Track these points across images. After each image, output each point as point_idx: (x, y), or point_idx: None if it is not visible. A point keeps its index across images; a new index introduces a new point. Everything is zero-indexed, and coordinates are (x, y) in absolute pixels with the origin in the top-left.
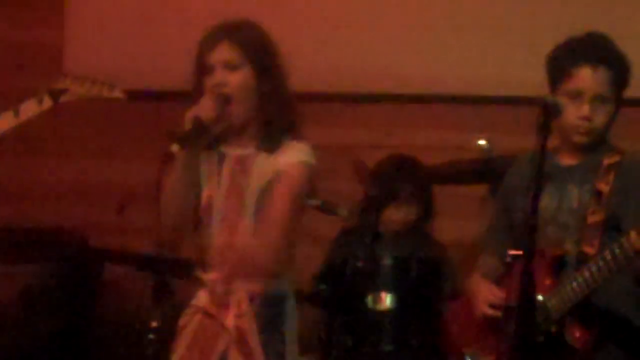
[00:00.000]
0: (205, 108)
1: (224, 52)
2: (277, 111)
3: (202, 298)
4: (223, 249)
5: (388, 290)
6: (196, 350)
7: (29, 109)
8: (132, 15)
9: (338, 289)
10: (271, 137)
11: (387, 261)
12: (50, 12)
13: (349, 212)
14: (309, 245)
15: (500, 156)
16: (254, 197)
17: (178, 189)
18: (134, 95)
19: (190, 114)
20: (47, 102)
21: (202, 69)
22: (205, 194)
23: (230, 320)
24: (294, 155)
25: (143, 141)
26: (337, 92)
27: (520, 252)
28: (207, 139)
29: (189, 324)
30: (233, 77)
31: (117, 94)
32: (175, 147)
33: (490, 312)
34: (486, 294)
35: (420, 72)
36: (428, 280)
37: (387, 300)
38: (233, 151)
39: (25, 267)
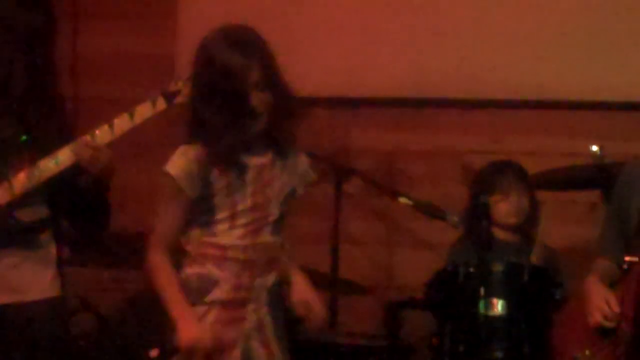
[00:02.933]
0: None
1: (255, 75)
2: (286, 122)
3: (218, 293)
4: (251, 250)
5: (499, 296)
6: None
7: (144, 111)
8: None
9: (450, 296)
10: (284, 148)
11: (498, 267)
12: (163, 23)
13: (459, 218)
14: (420, 252)
15: (613, 162)
16: (278, 206)
17: None
18: None
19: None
20: (161, 104)
21: (235, 89)
22: (225, 201)
23: (250, 312)
24: (307, 177)
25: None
26: (446, 98)
27: (637, 259)
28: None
29: (209, 317)
30: (264, 97)
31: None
32: None
33: (605, 324)
34: (601, 304)
35: (531, 78)
36: (539, 286)
37: (498, 306)
38: (252, 160)
39: (136, 274)
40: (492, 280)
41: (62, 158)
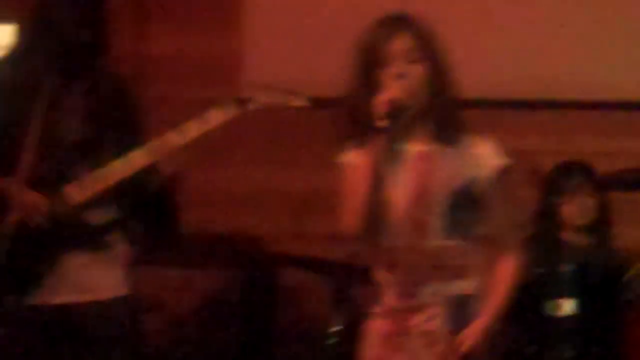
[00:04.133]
0: (394, 92)
1: (404, 43)
2: (450, 107)
3: (387, 301)
4: (411, 251)
5: (568, 297)
6: (384, 354)
7: (215, 117)
8: (311, 23)
9: (518, 296)
10: (452, 134)
11: (567, 268)
12: (229, 23)
13: (526, 218)
14: None
15: None
16: (446, 199)
17: (370, 181)
18: (316, 104)
19: (384, 97)
20: (233, 111)
21: (377, 60)
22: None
23: (420, 324)
24: (490, 165)
25: (323, 149)
26: (513, 99)
27: None
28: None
29: (375, 327)
30: (413, 69)
31: (300, 102)
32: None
33: None
34: None
35: (600, 78)
36: (608, 286)
37: (567, 307)
38: (413, 147)
39: (204, 273)
40: (561, 281)
41: (134, 160)
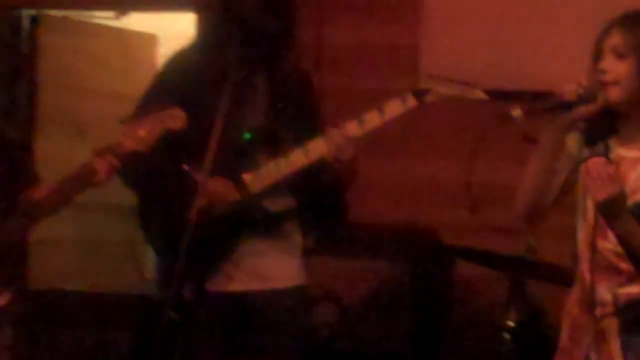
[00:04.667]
0: (570, 85)
1: (614, 39)
2: None
3: (574, 295)
4: (591, 250)
5: None
6: (568, 347)
7: (394, 108)
8: (490, 14)
9: None
10: None
11: None
12: (407, 12)
13: None
14: None
15: None
16: (629, 204)
17: (536, 171)
18: (495, 96)
19: (564, 84)
20: (411, 102)
21: (596, 53)
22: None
23: (594, 322)
24: None
25: (500, 141)
26: None
27: None
28: (567, 121)
29: (566, 319)
30: (619, 65)
31: (479, 95)
32: (516, 112)
33: None
34: None
35: None
36: None
37: None
38: (617, 149)
39: (378, 264)
40: None
41: (312, 149)
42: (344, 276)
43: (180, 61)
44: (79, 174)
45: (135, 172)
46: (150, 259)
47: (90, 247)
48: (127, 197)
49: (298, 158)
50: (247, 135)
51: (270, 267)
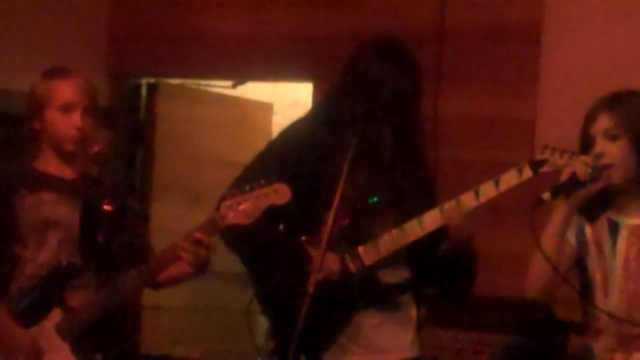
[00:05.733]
0: (581, 166)
1: (603, 122)
2: None
3: None
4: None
5: None
6: None
7: (509, 179)
8: (608, 88)
9: None
10: None
11: None
12: (524, 86)
13: None
14: None
15: None
16: None
17: (552, 242)
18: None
19: (568, 170)
20: (527, 173)
21: (585, 139)
22: (595, 264)
23: None
24: None
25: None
26: None
27: None
28: (580, 197)
29: None
30: (612, 147)
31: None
32: (546, 195)
33: None
34: None
35: None
36: None
37: None
38: (628, 220)
39: (491, 337)
40: None
41: (428, 221)
42: (457, 348)
43: (296, 132)
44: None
45: (247, 243)
46: (264, 329)
47: (204, 314)
48: (242, 264)
49: (413, 230)
50: (373, 199)
51: (385, 340)
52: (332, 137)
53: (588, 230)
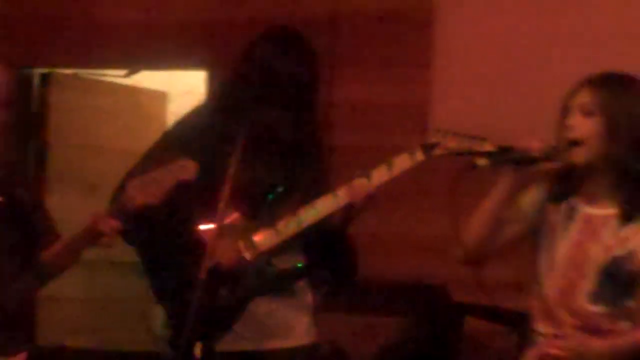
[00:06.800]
0: (536, 142)
1: (582, 96)
2: (636, 163)
3: (541, 347)
4: (559, 307)
5: None
6: None
7: (402, 162)
8: (497, 74)
9: None
10: (632, 205)
11: None
12: (418, 73)
13: None
14: None
15: None
16: (599, 266)
17: (490, 210)
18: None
19: (526, 141)
20: (419, 156)
21: (564, 110)
22: (546, 244)
23: None
24: None
25: None
26: None
27: None
28: (534, 171)
29: None
30: (584, 123)
31: (487, 147)
32: (482, 161)
33: None
34: None
35: None
36: None
37: None
38: (583, 207)
39: (387, 320)
40: None
41: (322, 207)
42: (354, 332)
43: (192, 119)
44: (84, 234)
45: (140, 231)
46: (160, 317)
47: (100, 304)
48: (136, 253)
49: (308, 216)
50: (270, 196)
51: (282, 326)
52: (227, 124)
53: (548, 209)
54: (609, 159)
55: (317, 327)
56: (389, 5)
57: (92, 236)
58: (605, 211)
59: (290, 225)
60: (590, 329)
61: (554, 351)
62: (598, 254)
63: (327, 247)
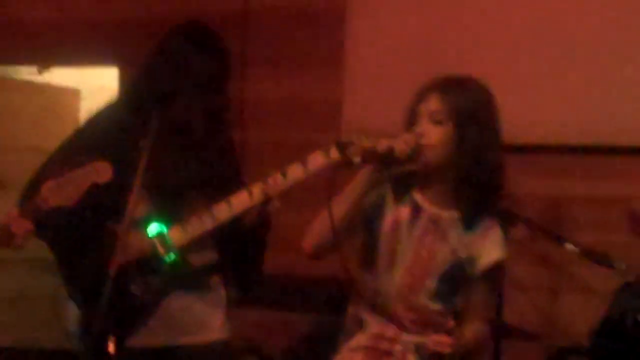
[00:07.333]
0: (401, 144)
1: (432, 104)
2: (477, 171)
3: (362, 339)
4: (401, 302)
5: None
6: None
7: (317, 161)
8: (410, 70)
9: (617, 344)
10: (471, 211)
11: None
12: (330, 69)
13: (626, 265)
14: (584, 299)
15: None
16: (444, 266)
17: (345, 202)
18: None
19: (386, 142)
20: (334, 154)
21: (411, 116)
22: (387, 239)
23: None
24: (494, 251)
25: None
26: (613, 145)
27: None
28: (392, 173)
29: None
30: (434, 130)
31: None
32: (357, 159)
33: None
34: None
35: None
36: None
37: None
38: (429, 207)
39: (301, 316)
40: None
41: (236, 203)
42: (268, 328)
43: (103, 116)
44: None
45: (52, 227)
46: (72, 314)
47: (13, 302)
48: (49, 250)
49: (221, 212)
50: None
51: (194, 321)
52: (138, 119)
53: (390, 203)
54: (454, 165)
55: (231, 323)
56: (301, 2)
57: (4, 237)
58: (449, 213)
59: (204, 222)
60: (425, 323)
61: (443, 349)
62: (445, 255)
63: (241, 244)
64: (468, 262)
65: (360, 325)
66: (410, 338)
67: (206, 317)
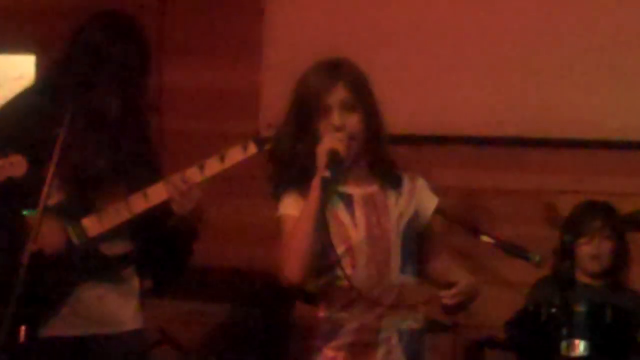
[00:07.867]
0: (337, 143)
1: (339, 93)
2: (385, 149)
3: (345, 335)
4: (376, 289)
5: (582, 337)
6: None
7: (234, 155)
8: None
9: (532, 336)
10: (390, 174)
11: (581, 308)
12: (248, 58)
13: (541, 257)
14: (500, 291)
15: None
16: (399, 234)
17: (309, 218)
18: None
19: (324, 148)
20: (252, 149)
21: (324, 108)
22: (338, 238)
23: (380, 357)
24: (430, 198)
25: None
26: (528, 137)
27: None
28: (337, 174)
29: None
30: (350, 118)
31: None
32: (327, 173)
33: None
34: None
35: (615, 119)
36: (622, 328)
37: (580, 347)
38: (357, 190)
39: (217, 307)
40: (575, 321)
41: (152, 194)
42: (182, 318)
43: (18, 104)
44: None
45: None
46: None
47: None
48: None
49: (137, 203)
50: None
51: (108, 312)
52: (53, 107)
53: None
54: (369, 148)
55: (145, 313)
56: None
57: None
58: (374, 187)
59: (120, 211)
60: (403, 301)
61: (448, 301)
62: (395, 224)
63: (156, 235)
64: (415, 218)
65: (338, 324)
66: (391, 323)
67: (119, 308)
